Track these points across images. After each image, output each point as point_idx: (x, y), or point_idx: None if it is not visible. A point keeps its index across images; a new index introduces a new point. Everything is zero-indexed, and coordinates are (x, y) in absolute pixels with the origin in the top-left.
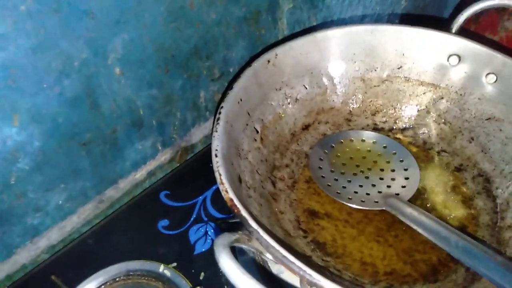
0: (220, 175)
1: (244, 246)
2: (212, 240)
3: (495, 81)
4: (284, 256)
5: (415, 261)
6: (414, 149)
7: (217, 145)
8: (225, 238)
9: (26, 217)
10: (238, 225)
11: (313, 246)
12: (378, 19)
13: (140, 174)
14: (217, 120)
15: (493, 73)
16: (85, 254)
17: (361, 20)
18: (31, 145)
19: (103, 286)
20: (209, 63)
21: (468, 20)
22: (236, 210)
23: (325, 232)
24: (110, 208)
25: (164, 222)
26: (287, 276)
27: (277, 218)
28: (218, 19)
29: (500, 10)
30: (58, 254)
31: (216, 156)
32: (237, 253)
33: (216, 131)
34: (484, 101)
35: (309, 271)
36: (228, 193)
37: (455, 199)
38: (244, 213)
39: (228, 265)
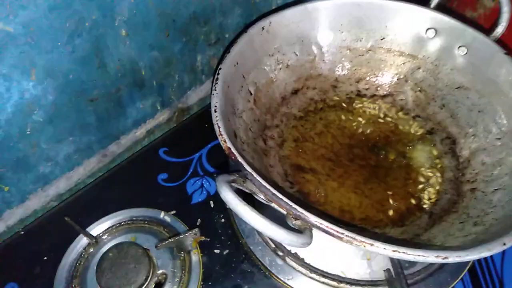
0: (219, 127)
1: (239, 186)
2: (208, 191)
3: (465, 53)
4: (273, 193)
5: (386, 209)
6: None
7: (216, 102)
8: (225, 177)
9: (38, 166)
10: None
11: (298, 196)
12: None
13: (140, 132)
14: (215, 80)
15: (464, 46)
16: (91, 202)
17: None
18: (45, 98)
19: (110, 229)
20: (207, 29)
21: None
22: (233, 157)
23: (309, 184)
24: (112, 162)
25: (163, 176)
26: None
27: (268, 171)
28: None
29: None
30: (67, 201)
31: (215, 111)
32: None
33: (215, 90)
34: (456, 71)
35: (294, 205)
36: (226, 143)
37: (428, 158)
38: (240, 159)
39: (228, 195)
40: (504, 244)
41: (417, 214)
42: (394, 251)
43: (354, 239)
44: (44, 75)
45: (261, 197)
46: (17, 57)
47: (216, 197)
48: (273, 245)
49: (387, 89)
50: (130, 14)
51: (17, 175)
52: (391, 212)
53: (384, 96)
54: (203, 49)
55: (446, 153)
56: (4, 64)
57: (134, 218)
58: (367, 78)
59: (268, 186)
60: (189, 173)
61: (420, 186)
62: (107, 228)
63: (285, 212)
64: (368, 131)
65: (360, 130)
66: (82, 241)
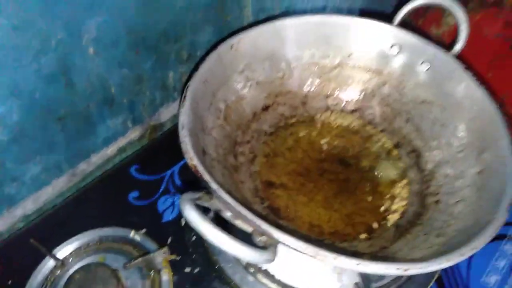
0: (186, 144)
1: (206, 204)
2: (179, 209)
3: (427, 69)
4: (238, 211)
5: (355, 223)
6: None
7: (183, 119)
8: (190, 195)
9: (3, 186)
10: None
11: (268, 211)
12: (338, 10)
13: (111, 150)
14: (184, 98)
15: (426, 62)
16: (59, 222)
17: (323, 10)
18: (10, 118)
19: (77, 250)
20: (178, 46)
21: (416, 15)
22: (199, 174)
23: (279, 200)
24: (83, 181)
25: (134, 194)
26: None
27: (238, 187)
28: (186, 6)
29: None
30: (34, 222)
31: (182, 128)
32: None
33: (183, 107)
34: (419, 86)
35: (257, 220)
36: (193, 160)
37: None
38: (206, 176)
39: (190, 213)
40: (462, 254)
41: (384, 227)
42: (357, 264)
43: (317, 253)
44: (8, 94)
45: (228, 214)
46: None
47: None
48: (244, 263)
49: (355, 104)
50: (98, 33)
51: None
52: (359, 226)
53: (352, 111)
54: (175, 66)
55: (412, 166)
56: None
57: (103, 238)
58: (336, 94)
59: (232, 202)
60: (160, 190)
61: (388, 199)
62: (75, 249)
63: (250, 229)
64: (338, 145)
65: (330, 145)
66: (48, 263)
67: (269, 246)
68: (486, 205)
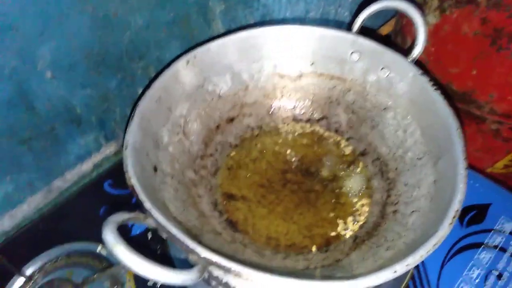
0: (127, 165)
1: (140, 223)
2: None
3: (387, 75)
4: (169, 231)
5: (313, 235)
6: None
7: (128, 139)
8: (117, 216)
9: None
10: None
11: (225, 225)
12: (324, 15)
13: (86, 166)
14: (131, 117)
15: (385, 68)
16: (34, 238)
17: (303, 19)
18: None
19: (46, 266)
20: (143, 64)
21: (401, 15)
22: (134, 194)
23: (238, 212)
24: (59, 196)
25: (105, 208)
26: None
27: (194, 201)
28: (146, 24)
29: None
30: (9, 239)
31: (125, 149)
32: None
33: (130, 127)
34: (381, 92)
35: (183, 237)
36: (131, 181)
37: (359, 180)
38: (140, 196)
39: (108, 236)
40: (395, 271)
41: (342, 238)
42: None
43: (241, 272)
44: None
45: (164, 235)
46: None
47: (153, 230)
48: (206, 275)
49: (321, 112)
50: (53, 58)
51: None
52: (317, 238)
53: (319, 120)
54: (143, 83)
55: (376, 174)
56: None
57: (72, 253)
58: (302, 103)
59: (163, 222)
60: (131, 204)
61: (350, 210)
62: (42, 265)
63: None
64: (303, 155)
65: (295, 155)
66: (18, 280)
67: (196, 265)
68: (436, 217)
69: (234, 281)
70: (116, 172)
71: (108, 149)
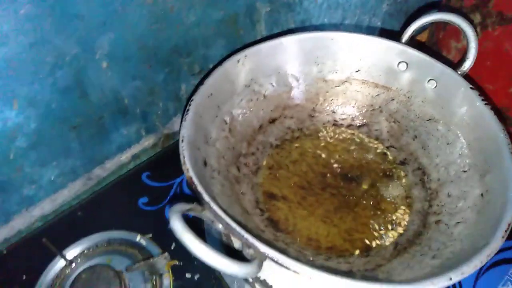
0: (184, 157)
1: (197, 215)
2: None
3: (435, 87)
4: (227, 223)
5: (353, 239)
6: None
7: (184, 132)
8: (180, 206)
9: (22, 188)
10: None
11: (267, 223)
12: (358, 23)
13: (125, 156)
14: (186, 111)
15: (433, 79)
16: (73, 223)
17: (340, 25)
18: (27, 126)
19: (86, 251)
20: (189, 60)
21: (437, 28)
22: (193, 186)
23: (279, 212)
24: (97, 185)
25: (144, 199)
26: None
27: (238, 198)
28: (197, 21)
29: None
30: (49, 223)
31: (182, 141)
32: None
33: (185, 121)
34: (426, 103)
35: (244, 233)
36: (189, 172)
37: (399, 188)
38: (199, 188)
39: (176, 224)
40: (451, 279)
41: (383, 245)
42: (341, 283)
43: (300, 269)
44: (26, 104)
45: (219, 226)
46: None
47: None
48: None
49: (363, 119)
50: (110, 48)
51: (1, 197)
52: (357, 242)
53: (359, 126)
54: (187, 79)
55: (417, 184)
56: None
57: (111, 241)
58: (343, 109)
59: (222, 215)
60: (168, 197)
61: (389, 217)
62: (83, 251)
63: (239, 242)
64: (343, 160)
65: (335, 159)
66: (60, 262)
67: (254, 259)
68: (485, 229)
69: (271, 278)
70: (154, 164)
71: (147, 141)
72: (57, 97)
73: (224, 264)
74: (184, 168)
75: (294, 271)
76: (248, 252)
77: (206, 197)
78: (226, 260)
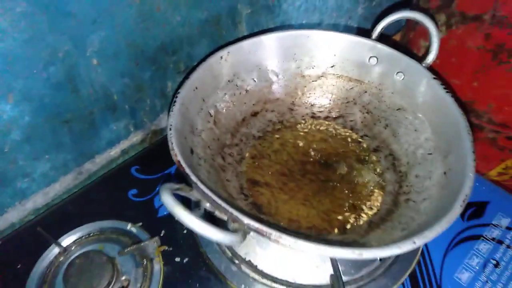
0: (172, 143)
1: (185, 194)
2: None
3: (402, 78)
4: (213, 200)
5: (331, 219)
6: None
7: (171, 121)
8: (170, 184)
9: (16, 181)
10: None
11: (251, 207)
12: (335, 26)
13: (114, 151)
14: (174, 103)
15: (401, 72)
16: (65, 215)
17: (318, 25)
18: (22, 119)
19: (79, 239)
20: (175, 58)
21: (408, 29)
22: (181, 168)
23: (262, 197)
24: (88, 179)
25: (133, 191)
26: None
27: (223, 184)
28: (182, 21)
29: None
30: (42, 215)
31: (170, 129)
32: None
33: (172, 111)
34: (396, 94)
35: (228, 207)
36: (177, 157)
37: (373, 173)
38: (187, 170)
39: (166, 198)
40: (414, 242)
41: (358, 223)
42: (316, 248)
43: (280, 237)
44: (21, 98)
45: (207, 205)
46: None
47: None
48: (229, 254)
49: (338, 111)
50: (101, 46)
51: None
52: (335, 222)
53: (336, 118)
54: (173, 76)
55: (388, 168)
56: None
57: (103, 229)
58: (320, 102)
59: (209, 193)
60: (157, 189)
61: (364, 199)
62: (77, 239)
63: (225, 217)
64: (321, 149)
65: (313, 148)
66: (53, 250)
67: (239, 231)
68: (447, 202)
69: (255, 259)
70: (142, 159)
71: (135, 137)
72: (50, 92)
73: (211, 231)
74: (172, 154)
75: (275, 240)
76: (233, 227)
77: (193, 178)
78: (212, 228)
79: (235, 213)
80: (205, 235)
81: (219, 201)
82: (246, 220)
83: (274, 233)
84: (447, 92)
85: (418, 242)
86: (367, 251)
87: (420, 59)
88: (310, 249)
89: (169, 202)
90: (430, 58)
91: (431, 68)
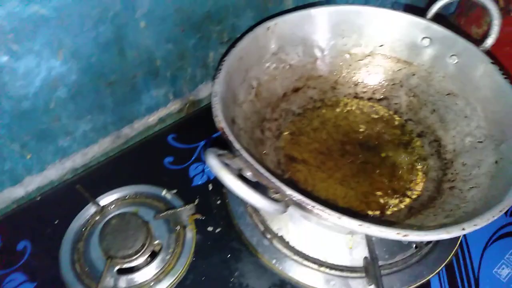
0: (216, 109)
1: (228, 162)
2: (208, 176)
3: (456, 62)
4: (256, 169)
5: (369, 201)
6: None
7: (216, 88)
8: (214, 149)
9: (58, 139)
10: None
11: (287, 183)
12: (381, 3)
13: (152, 118)
14: (219, 70)
15: (455, 55)
16: (103, 176)
17: (365, 2)
18: (69, 77)
19: (116, 200)
20: (219, 28)
21: (459, 14)
22: (224, 135)
23: (299, 174)
24: (125, 144)
25: (169, 159)
26: None
27: (261, 157)
28: None
29: None
30: (80, 174)
31: (215, 96)
32: None
33: (218, 78)
34: (447, 78)
35: (273, 178)
36: (221, 122)
37: (415, 158)
38: (230, 137)
39: (212, 161)
40: (463, 229)
41: (397, 208)
42: (359, 225)
43: (323, 211)
44: (69, 56)
45: (248, 174)
46: (48, 37)
47: (215, 181)
48: (262, 228)
49: (383, 93)
50: (149, 8)
51: (39, 145)
52: (373, 204)
53: (380, 100)
54: (215, 47)
55: (432, 155)
56: (36, 42)
57: (139, 193)
58: (365, 82)
59: (252, 162)
60: (193, 158)
61: (405, 184)
62: (114, 200)
63: (267, 187)
64: (362, 130)
65: (354, 129)
66: (90, 209)
67: (281, 202)
68: (497, 192)
69: (289, 235)
70: (180, 127)
71: (174, 106)
72: (98, 52)
73: (255, 198)
74: (216, 120)
75: (317, 214)
76: (274, 197)
77: (237, 145)
78: (258, 195)
79: (278, 183)
80: (250, 201)
81: (262, 170)
82: (289, 191)
83: (318, 206)
84: (505, 78)
85: (467, 228)
86: (413, 233)
87: (476, 41)
88: (354, 227)
89: (215, 165)
90: (489, 41)
91: (488, 53)
